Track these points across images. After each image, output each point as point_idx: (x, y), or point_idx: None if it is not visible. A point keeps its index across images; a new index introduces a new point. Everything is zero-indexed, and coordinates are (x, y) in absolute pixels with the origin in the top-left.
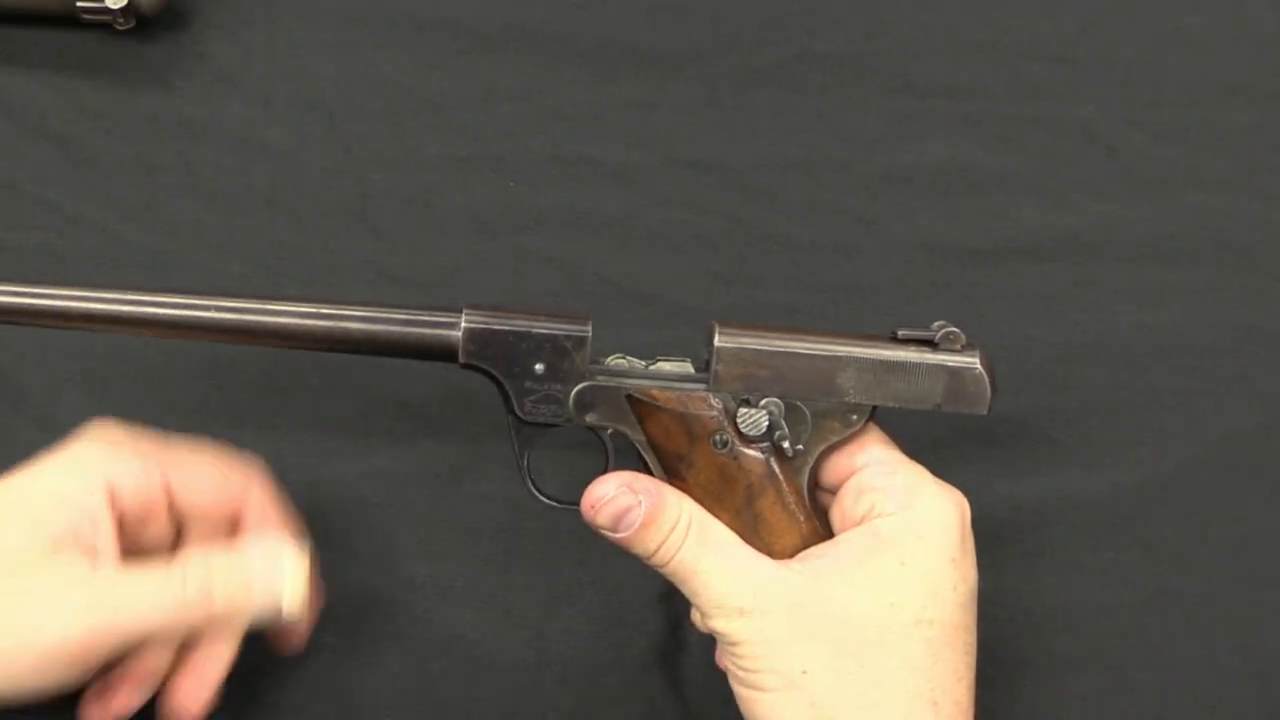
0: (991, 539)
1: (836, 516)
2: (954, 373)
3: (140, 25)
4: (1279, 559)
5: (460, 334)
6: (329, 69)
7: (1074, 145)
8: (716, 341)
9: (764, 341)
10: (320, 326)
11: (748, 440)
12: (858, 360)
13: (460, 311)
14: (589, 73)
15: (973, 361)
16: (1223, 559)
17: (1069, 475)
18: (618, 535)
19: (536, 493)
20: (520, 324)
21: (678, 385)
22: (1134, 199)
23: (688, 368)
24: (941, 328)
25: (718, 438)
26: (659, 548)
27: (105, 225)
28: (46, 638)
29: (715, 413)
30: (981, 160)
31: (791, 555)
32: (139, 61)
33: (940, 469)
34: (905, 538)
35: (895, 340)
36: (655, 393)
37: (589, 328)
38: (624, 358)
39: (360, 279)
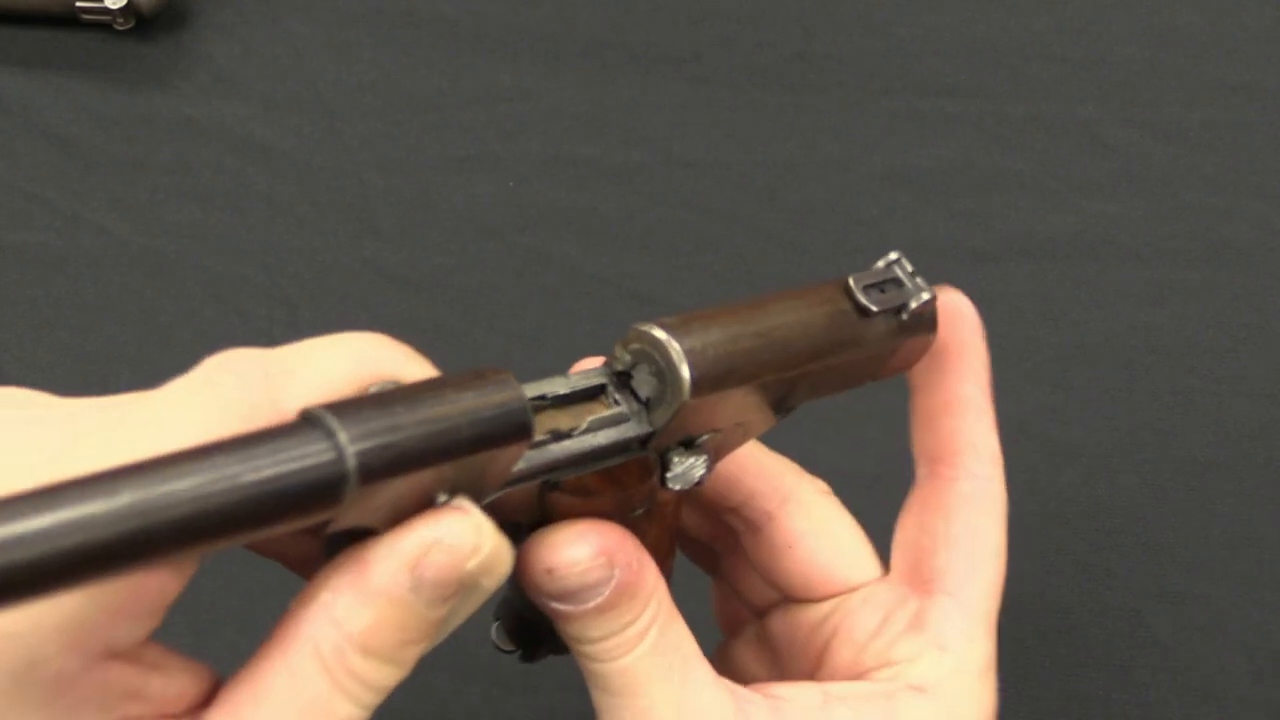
0: None
1: (781, 632)
2: (910, 333)
3: (140, 25)
4: (1279, 559)
5: (351, 470)
6: (329, 69)
7: (1074, 145)
8: (687, 395)
9: (736, 380)
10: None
11: (669, 487)
12: (825, 366)
13: (325, 430)
14: (589, 73)
15: (929, 314)
16: (1223, 559)
17: (1069, 475)
18: (562, 607)
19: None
20: (437, 432)
21: (618, 457)
22: (1134, 199)
23: (598, 377)
24: (900, 275)
25: (639, 512)
26: (605, 641)
27: (105, 225)
28: None
29: (653, 480)
30: (981, 160)
31: None
32: (139, 61)
33: None
34: None
35: (860, 311)
36: (590, 482)
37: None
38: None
39: (360, 279)
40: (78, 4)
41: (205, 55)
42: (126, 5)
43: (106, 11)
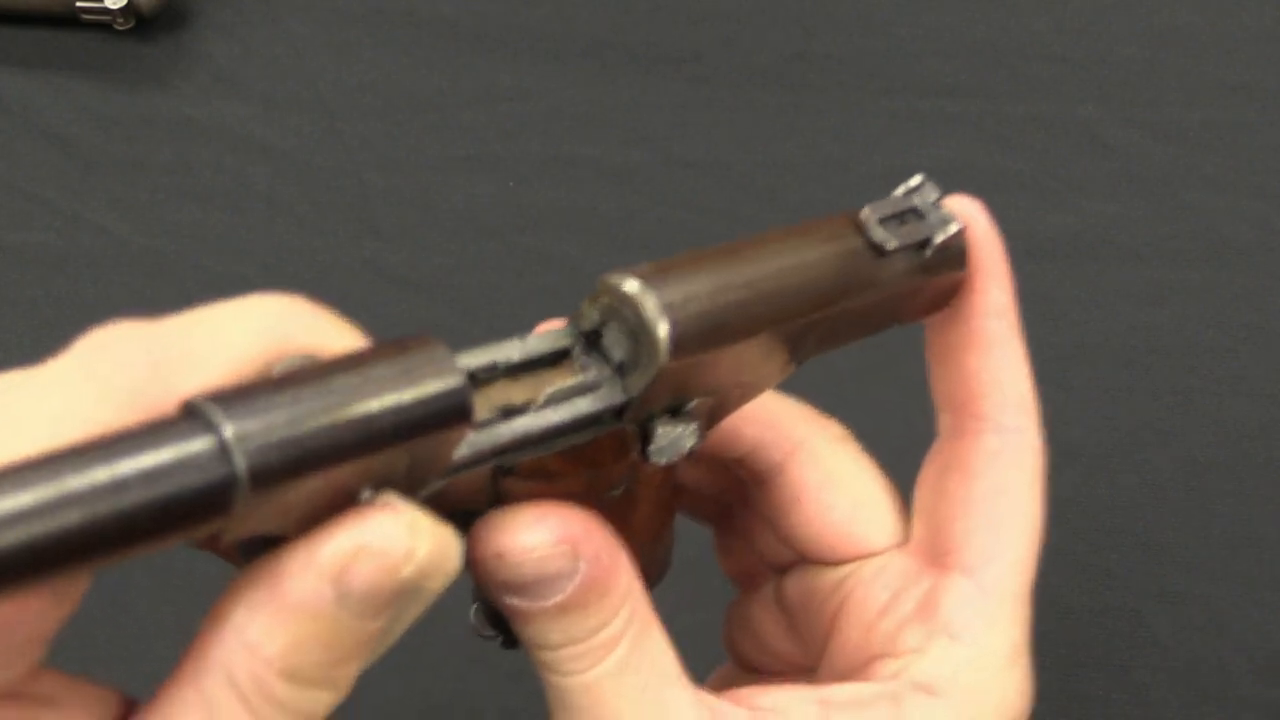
0: None
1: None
2: (935, 272)
3: (140, 25)
4: (1279, 559)
5: (240, 474)
6: (329, 69)
7: (1074, 145)
8: (665, 358)
9: (726, 337)
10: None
11: (652, 462)
12: (835, 315)
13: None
14: (589, 73)
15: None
16: (1223, 559)
17: (1069, 475)
18: (516, 603)
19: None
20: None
21: (586, 432)
22: (1134, 199)
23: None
24: (921, 205)
25: (617, 492)
26: (567, 648)
27: (105, 225)
28: None
29: (631, 456)
30: (981, 160)
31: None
32: (139, 61)
33: None
34: None
35: (875, 249)
36: (552, 463)
37: (465, 387)
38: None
39: (360, 279)
40: (78, 4)
41: (205, 55)
42: (126, 5)
43: (106, 11)
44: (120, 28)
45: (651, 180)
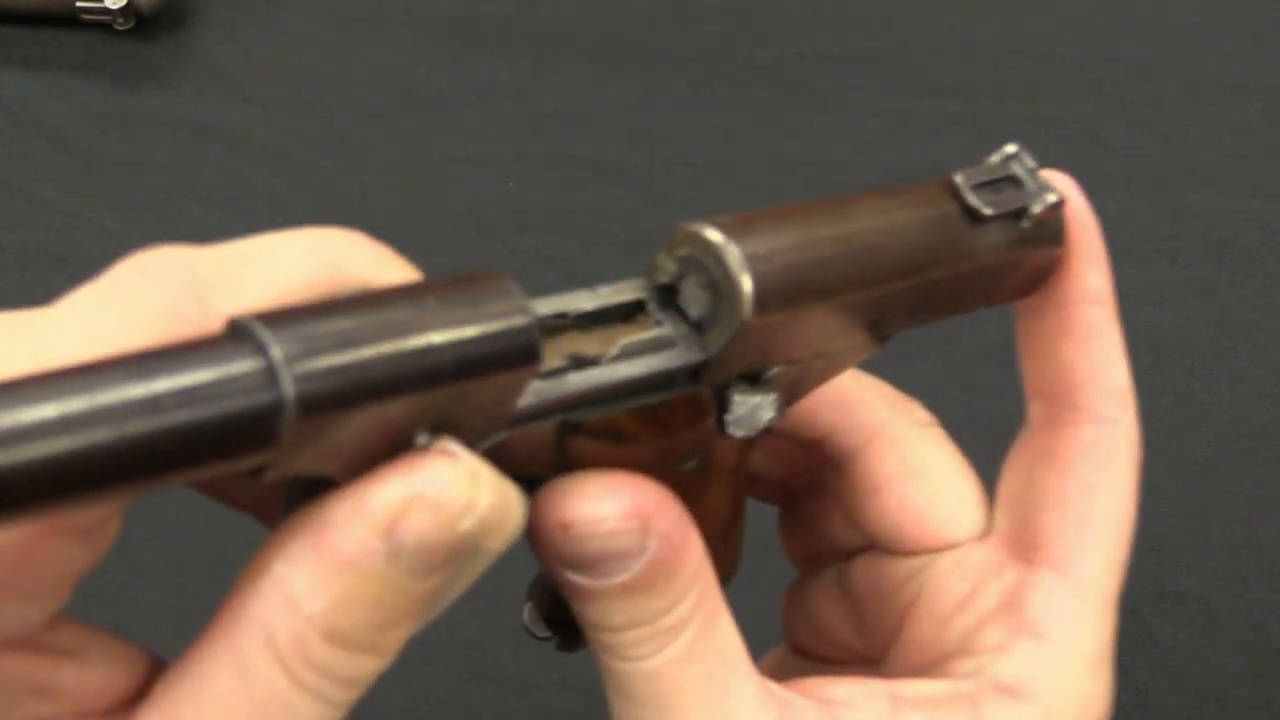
0: None
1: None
2: (1033, 245)
3: (140, 25)
4: (1279, 559)
5: (287, 399)
6: (329, 69)
7: (1074, 145)
8: (748, 312)
9: (811, 295)
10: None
11: (728, 433)
12: (925, 282)
13: (251, 344)
14: (588, 72)
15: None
16: (1223, 559)
17: None
18: (579, 579)
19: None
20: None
21: (659, 393)
22: (1134, 199)
23: (636, 289)
24: (1019, 172)
25: (691, 465)
26: (630, 631)
27: (105, 225)
28: None
29: (707, 423)
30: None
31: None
32: (139, 61)
33: None
34: None
35: (970, 215)
36: (623, 423)
37: (533, 329)
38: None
39: None
40: (78, 4)
41: (205, 55)
42: (126, 5)
43: (106, 11)
44: (120, 28)
45: (651, 180)
